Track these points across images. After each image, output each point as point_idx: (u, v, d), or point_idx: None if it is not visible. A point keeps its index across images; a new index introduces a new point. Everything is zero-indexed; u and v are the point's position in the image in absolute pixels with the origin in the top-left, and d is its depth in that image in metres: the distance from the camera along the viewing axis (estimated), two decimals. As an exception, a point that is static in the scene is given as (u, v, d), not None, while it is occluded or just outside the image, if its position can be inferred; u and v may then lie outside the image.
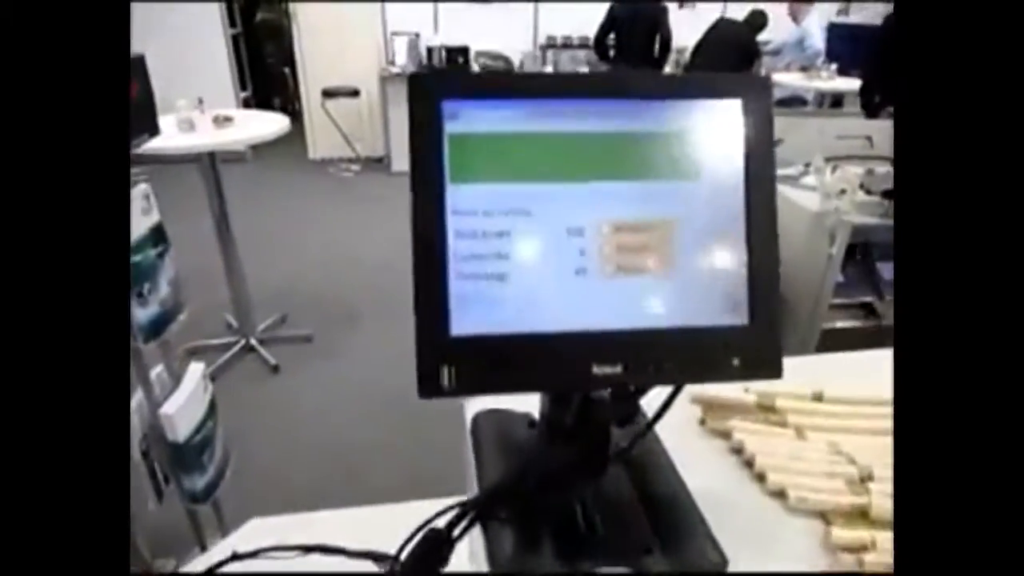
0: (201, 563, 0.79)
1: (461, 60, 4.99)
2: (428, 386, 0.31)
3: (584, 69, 5.12)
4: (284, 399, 2.60)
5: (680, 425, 0.45)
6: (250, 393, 2.58)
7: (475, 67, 5.09)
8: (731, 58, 4.17)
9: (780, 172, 2.57)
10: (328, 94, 5.28)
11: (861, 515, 0.37)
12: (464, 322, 0.32)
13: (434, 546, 0.39)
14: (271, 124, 2.58)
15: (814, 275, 2.18)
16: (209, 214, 2.58)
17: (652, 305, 0.33)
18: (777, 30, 4.74)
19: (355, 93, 5.32)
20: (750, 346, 0.33)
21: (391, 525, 0.79)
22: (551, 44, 5.24)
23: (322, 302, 3.46)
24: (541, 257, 0.32)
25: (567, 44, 5.24)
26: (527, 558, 0.34)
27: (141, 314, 1.32)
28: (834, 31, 5.80)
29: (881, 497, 0.37)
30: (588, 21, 4.93)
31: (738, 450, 0.43)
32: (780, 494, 0.40)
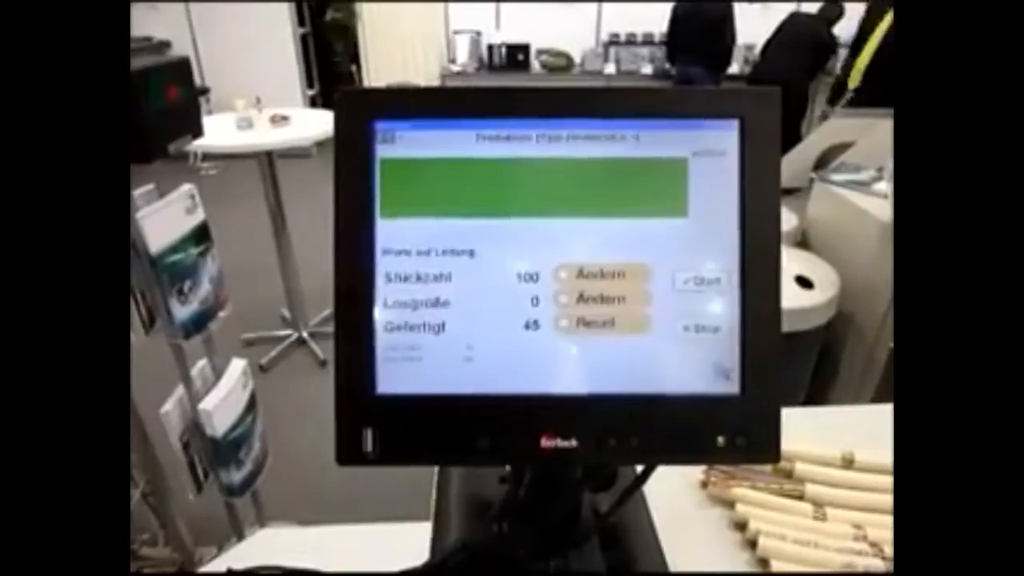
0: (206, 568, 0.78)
1: (521, 57, 4.95)
2: (348, 452, 0.27)
3: (647, 67, 4.99)
4: (330, 393, 2.63)
5: (677, 487, 0.39)
6: (299, 386, 2.64)
7: (536, 64, 5.05)
8: (804, 54, 3.96)
9: (849, 177, 2.41)
10: (390, 92, 5.37)
11: (883, 627, 0.31)
12: (392, 380, 0.27)
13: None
14: (328, 123, 2.61)
15: (882, 291, 2.01)
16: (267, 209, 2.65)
17: (618, 367, 0.27)
18: (854, 25, 4.48)
19: (416, 91, 5.38)
20: (739, 422, 0.27)
21: (400, 542, 0.76)
22: (614, 41, 5.13)
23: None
24: (486, 306, 0.27)
25: (631, 41, 5.12)
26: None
27: (182, 311, 1.35)
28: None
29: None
30: (652, 19, 4.80)
31: (741, 526, 0.37)
32: (786, 587, 0.33)
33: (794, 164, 2.66)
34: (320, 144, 5.89)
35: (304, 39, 5.62)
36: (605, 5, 5.13)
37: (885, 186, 2.19)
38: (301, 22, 5.55)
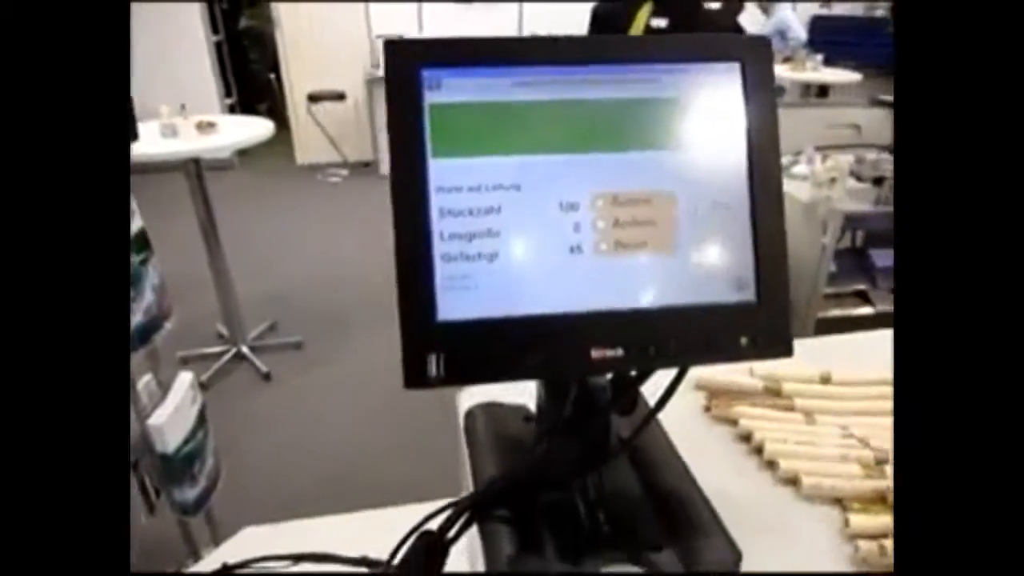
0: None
1: (447, 61, 4.96)
2: (414, 376, 0.29)
3: (570, 67, 5.10)
4: (277, 407, 2.56)
5: (684, 413, 0.43)
6: (243, 402, 2.55)
7: (461, 68, 5.08)
8: None
9: (770, 163, 2.55)
10: (314, 98, 5.25)
11: (880, 500, 0.35)
12: (451, 307, 0.29)
13: (428, 550, 0.36)
14: (256, 129, 2.54)
15: (808, 265, 2.17)
16: (196, 222, 2.55)
17: (653, 283, 0.31)
18: (747, 24, 4.75)
19: (341, 97, 5.29)
20: (758, 324, 0.31)
21: (386, 529, 0.76)
22: (536, 42, 5.22)
23: (313, 309, 3.43)
24: (533, 234, 0.30)
25: (553, 42, 5.23)
26: (527, 558, 0.32)
27: (125, 323, 1.29)
28: (818, 23, 5.83)
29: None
30: (573, 19, 4.92)
31: (746, 437, 0.41)
32: (793, 481, 0.37)
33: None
34: (242, 153, 5.69)
35: (219, 47, 5.41)
36: (526, 5, 5.22)
37: (803, 168, 2.35)
38: (215, 29, 5.34)
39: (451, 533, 0.36)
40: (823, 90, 4.54)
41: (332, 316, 3.36)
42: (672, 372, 0.34)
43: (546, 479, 0.35)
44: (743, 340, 0.31)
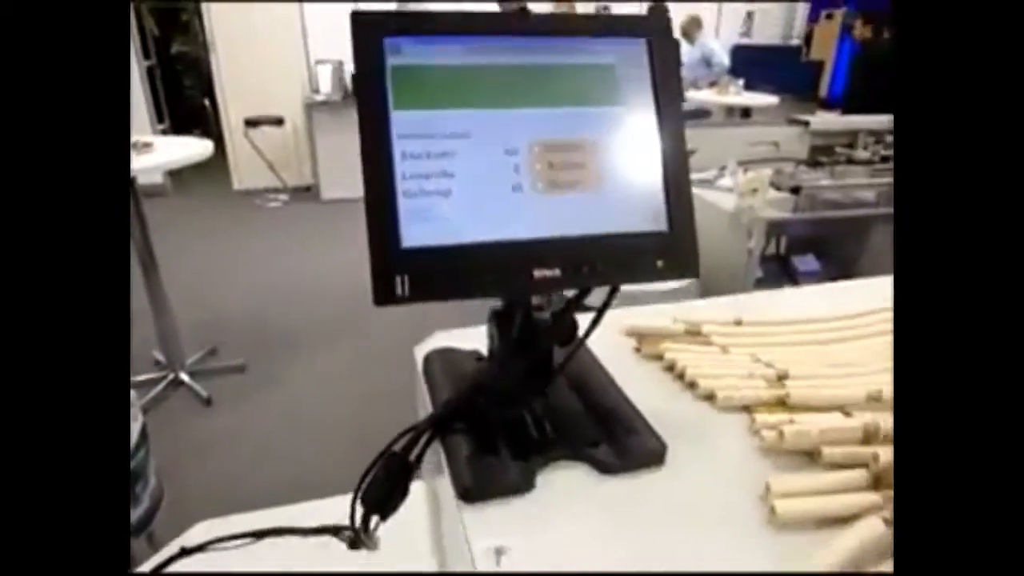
0: (149, 564, 0.76)
1: (387, 86, 5.00)
2: (383, 295, 0.34)
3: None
4: (219, 432, 2.50)
5: (617, 354, 0.49)
6: (183, 426, 2.47)
7: (401, 93, 5.13)
8: None
9: (696, 176, 2.71)
10: (251, 123, 5.19)
11: (780, 404, 0.42)
12: (413, 235, 0.34)
13: (395, 471, 0.41)
14: (194, 148, 2.51)
15: (735, 271, 2.31)
16: (131, 246, 2.48)
17: (583, 215, 0.37)
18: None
19: (279, 122, 5.25)
20: (671, 249, 0.37)
21: (343, 515, 0.79)
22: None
23: (255, 333, 3.36)
24: (481, 175, 0.35)
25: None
26: (484, 457, 0.37)
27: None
28: (739, 52, 6.23)
29: (796, 388, 0.42)
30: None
31: (670, 367, 0.47)
32: (709, 397, 0.44)
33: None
34: (175, 178, 5.50)
35: (151, 72, 5.29)
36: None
37: (728, 181, 2.51)
38: (147, 54, 5.23)
39: (414, 454, 0.40)
40: (746, 112, 4.85)
41: (276, 340, 3.30)
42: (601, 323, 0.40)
43: (497, 397, 0.40)
44: (659, 263, 0.37)
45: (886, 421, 0.38)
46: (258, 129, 5.16)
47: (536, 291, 0.37)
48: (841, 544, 0.30)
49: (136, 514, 1.52)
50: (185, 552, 0.74)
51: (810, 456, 0.38)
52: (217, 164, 5.60)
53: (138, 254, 2.48)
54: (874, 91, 3.27)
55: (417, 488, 0.45)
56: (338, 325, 3.38)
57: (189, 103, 6.53)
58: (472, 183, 0.35)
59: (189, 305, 3.03)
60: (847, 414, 0.40)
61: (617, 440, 0.39)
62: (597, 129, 0.37)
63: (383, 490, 0.40)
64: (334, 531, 0.63)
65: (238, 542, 0.70)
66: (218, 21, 5.08)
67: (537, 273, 0.35)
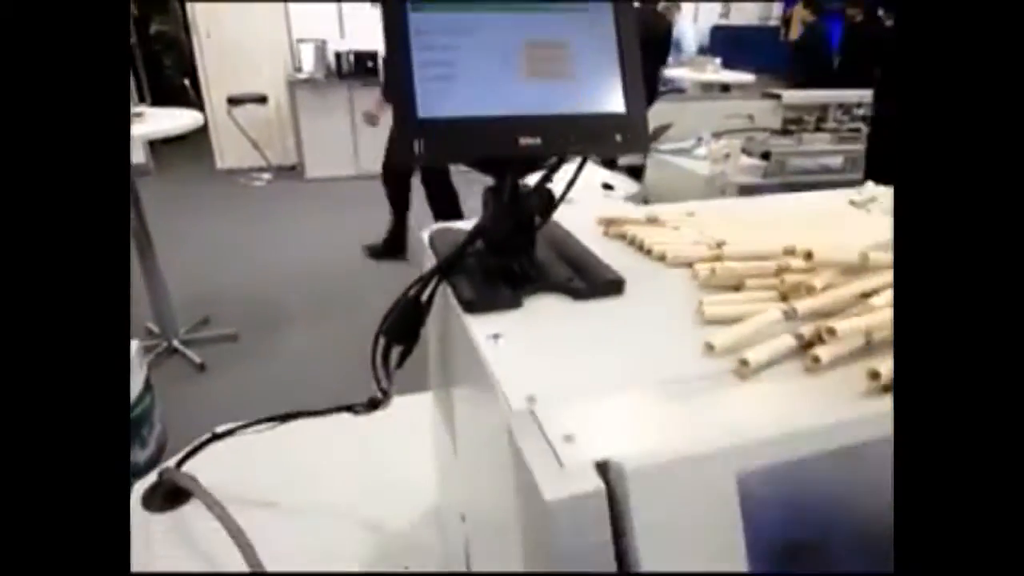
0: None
1: (371, 64, 5.05)
2: (405, 156, 0.44)
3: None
4: (213, 395, 2.57)
5: (588, 236, 0.59)
6: (178, 391, 2.54)
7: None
8: (650, 49, 4.46)
9: (675, 147, 2.82)
10: (234, 101, 5.20)
11: (716, 259, 0.53)
12: (428, 108, 0.44)
13: (410, 310, 0.51)
14: (183, 119, 2.58)
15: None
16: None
17: (560, 98, 0.47)
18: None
19: (263, 100, 5.26)
20: (627, 127, 0.48)
21: (351, 432, 0.89)
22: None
23: (245, 307, 3.43)
24: (481, 64, 0.46)
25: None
26: (485, 289, 0.47)
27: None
28: (718, 33, 6.34)
29: (730, 248, 0.53)
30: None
31: (631, 241, 0.58)
32: (661, 258, 0.55)
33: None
34: (157, 160, 5.48)
35: (131, 52, 5.26)
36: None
37: (703, 150, 2.63)
38: (127, 31, 5.19)
39: (425, 295, 0.51)
40: (725, 89, 4.98)
41: (266, 312, 3.37)
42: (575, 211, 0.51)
43: (491, 246, 0.51)
44: (617, 137, 0.48)
45: (796, 263, 0.49)
46: (241, 107, 5.17)
47: (520, 154, 0.47)
48: (739, 329, 0.41)
49: (144, 455, 1.61)
50: (216, 436, 0.84)
51: (736, 290, 0.49)
52: (200, 143, 5.61)
53: (132, 231, 2.54)
54: (863, 68, 3.36)
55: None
56: (327, 299, 3.46)
57: (169, 83, 6.49)
58: (474, 69, 0.45)
59: (179, 280, 3.08)
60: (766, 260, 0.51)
61: (586, 275, 0.49)
62: (570, 29, 0.48)
63: (401, 326, 0.51)
64: (348, 408, 0.73)
65: (263, 426, 0.80)
66: (200, -2, 5.06)
67: (522, 141, 0.46)
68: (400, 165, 0.51)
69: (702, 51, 5.82)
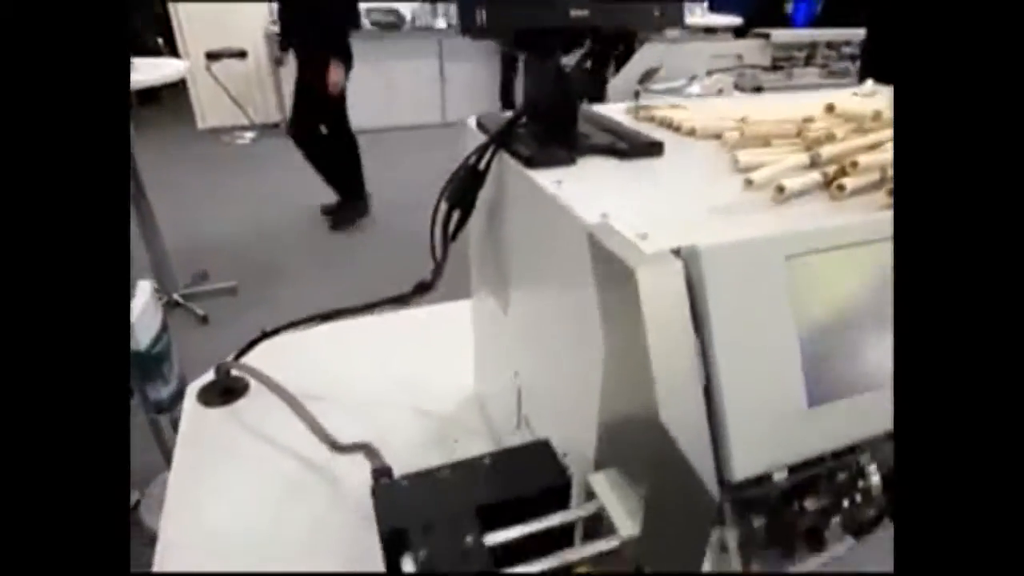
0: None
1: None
2: (466, 22, 0.48)
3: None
4: (217, 346, 2.61)
5: (624, 120, 0.64)
6: (181, 344, 2.58)
7: (366, 23, 5.08)
8: None
9: (666, 86, 2.85)
10: (213, 56, 5.07)
11: (740, 132, 0.58)
12: None
13: (470, 178, 0.56)
14: (169, 68, 2.55)
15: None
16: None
17: None
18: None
19: (242, 54, 5.15)
20: (665, 3, 0.52)
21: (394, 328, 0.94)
22: (440, -3, 5.30)
23: (241, 261, 3.43)
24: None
25: (456, -3, 5.31)
26: (544, 148, 0.52)
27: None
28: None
29: (753, 120, 0.58)
30: None
31: (660, 122, 0.63)
32: (691, 132, 0.60)
33: (622, 83, 3.08)
34: (134, 116, 5.34)
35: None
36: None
37: (696, 88, 2.66)
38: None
39: (483, 163, 0.55)
40: (711, 30, 4.98)
41: (262, 266, 3.38)
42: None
43: (539, 117, 0.56)
44: (656, 12, 0.52)
45: (815, 126, 0.54)
46: (220, 62, 5.06)
47: (570, 23, 0.51)
48: (773, 167, 0.47)
49: (166, 391, 1.66)
50: (266, 335, 0.89)
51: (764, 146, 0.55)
52: (179, 102, 5.49)
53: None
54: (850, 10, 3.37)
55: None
56: (323, 253, 3.48)
57: (140, 43, 6.30)
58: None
59: (173, 236, 3.09)
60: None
61: (627, 140, 0.55)
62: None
63: (461, 192, 0.56)
64: (396, 299, 0.76)
65: (307, 325, 0.84)
66: (171, -50, 4.89)
67: (573, 13, 0.50)
68: (464, 32, 0.55)
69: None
